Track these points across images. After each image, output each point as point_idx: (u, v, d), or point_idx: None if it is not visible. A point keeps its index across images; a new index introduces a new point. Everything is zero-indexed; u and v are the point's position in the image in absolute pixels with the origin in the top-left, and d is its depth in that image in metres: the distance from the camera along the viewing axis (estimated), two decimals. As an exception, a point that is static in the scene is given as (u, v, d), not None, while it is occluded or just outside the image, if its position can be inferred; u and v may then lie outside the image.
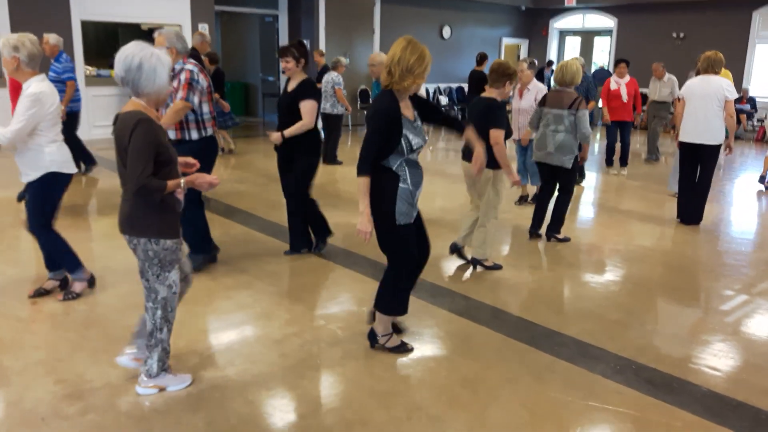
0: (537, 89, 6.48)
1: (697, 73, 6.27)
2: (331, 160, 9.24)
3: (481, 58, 10.09)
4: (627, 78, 8.72)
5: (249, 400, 2.96)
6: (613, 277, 4.87)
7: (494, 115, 4.46)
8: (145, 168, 2.64)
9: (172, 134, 4.30)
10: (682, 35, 14.53)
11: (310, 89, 4.65)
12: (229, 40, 14.42)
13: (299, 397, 3.01)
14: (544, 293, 4.49)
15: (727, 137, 6.15)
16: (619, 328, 3.88)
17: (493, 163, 4.50)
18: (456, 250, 4.99)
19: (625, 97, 8.65)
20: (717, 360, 3.50)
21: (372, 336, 3.49)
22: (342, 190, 7.67)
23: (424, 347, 3.55)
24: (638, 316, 4.09)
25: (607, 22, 16.05)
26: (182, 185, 2.79)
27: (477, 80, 9.65)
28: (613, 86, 8.77)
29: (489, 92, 4.62)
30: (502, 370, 3.31)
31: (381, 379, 3.18)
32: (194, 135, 4.37)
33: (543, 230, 5.71)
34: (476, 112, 4.59)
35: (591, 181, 8.56)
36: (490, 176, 4.61)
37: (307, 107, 4.60)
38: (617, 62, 8.96)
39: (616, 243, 5.69)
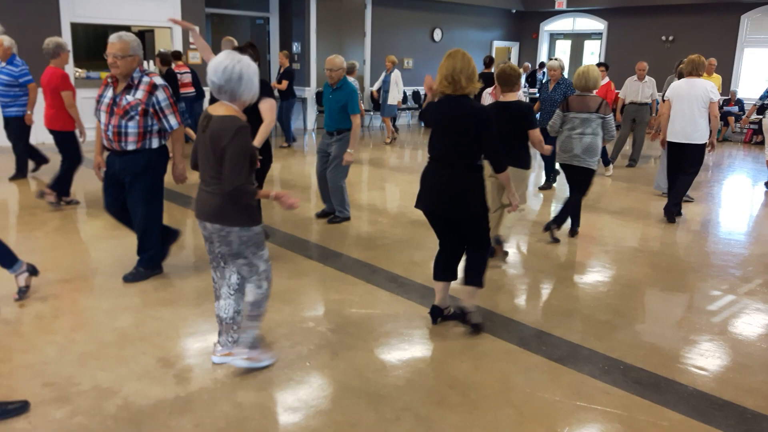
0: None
1: (679, 76, 6.38)
2: None
3: (490, 61, 10.37)
4: (604, 80, 8.80)
5: (237, 402, 2.95)
6: (602, 277, 4.90)
7: (532, 117, 4.76)
8: (242, 172, 2.86)
9: (132, 145, 4.10)
10: (671, 38, 14.63)
11: (266, 89, 4.60)
12: (220, 42, 14.39)
13: (288, 399, 3.01)
14: (532, 294, 4.51)
15: (710, 136, 6.34)
16: (607, 329, 3.90)
17: (526, 162, 4.81)
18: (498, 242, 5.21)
19: None
20: (704, 360, 3.52)
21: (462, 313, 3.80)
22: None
23: (413, 348, 3.56)
24: (626, 316, 4.12)
25: (597, 25, 16.15)
26: (271, 197, 3.02)
27: (488, 81, 9.97)
28: None
29: (509, 96, 4.77)
30: (491, 371, 3.32)
31: (370, 381, 3.18)
32: (155, 143, 4.21)
33: (576, 227, 5.92)
34: (514, 117, 4.67)
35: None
36: (525, 176, 4.86)
37: (266, 106, 4.59)
38: (598, 65, 9.03)
39: (604, 243, 5.72)
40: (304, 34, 13.09)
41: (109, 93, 4.12)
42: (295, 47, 13.21)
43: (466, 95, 3.49)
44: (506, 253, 5.25)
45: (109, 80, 4.15)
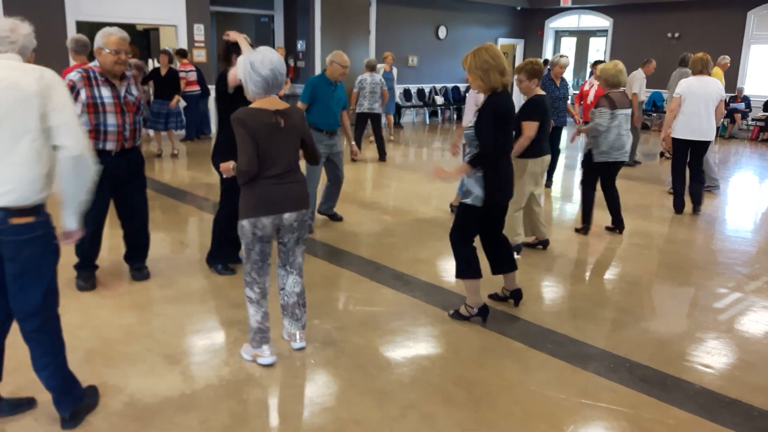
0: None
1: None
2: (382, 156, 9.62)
3: None
4: None
5: (242, 399, 2.96)
6: (607, 275, 4.88)
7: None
8: None
9: (139, 140, 4.11)
10: (677, 35, 14.56)
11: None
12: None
13: (293, 396, 3.01)
14: (537, 291, 4.50)
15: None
16: (613, 326, 3.89)
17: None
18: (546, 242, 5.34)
19: (591, 98, 8.52)
20: (710, 357, 3.51)
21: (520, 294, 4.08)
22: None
23: (418, 346, 3.56)
24: (632, 314, 4.10)
25: (603, 22, 16.08)
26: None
27: None
28: (586, 87, 8.73)
29: (538, 90, 4.87)
30: (496, 369, 3.31)
31: (374, 378, 3.18)
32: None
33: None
34: (546, 109, 4.89)
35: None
36: (548, 161, 5.07)
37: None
38: (594, 63, 8.94)
39: (609, 241, 5.70)
40: (309, 31, 13.08)
41: (106, 92, 3.85)
42: (300, 45, 13.21)
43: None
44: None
45: (99, 79, 3.84)
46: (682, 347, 3.62)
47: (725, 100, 7.07)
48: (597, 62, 8.95)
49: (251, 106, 3.04)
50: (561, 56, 7.60)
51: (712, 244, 5.77)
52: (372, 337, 3.63)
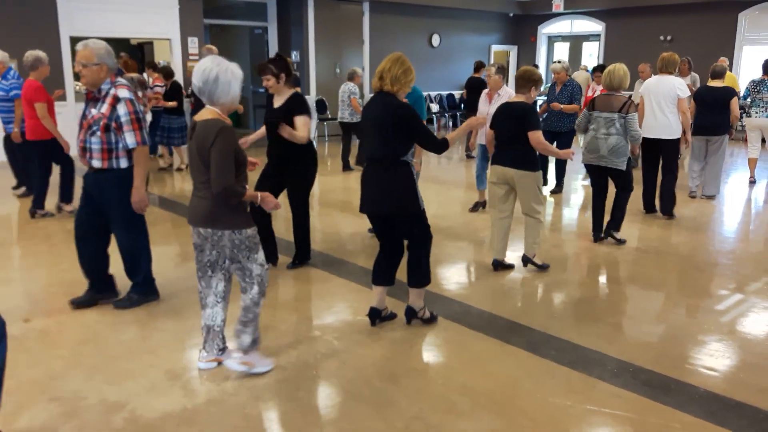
0: (507, 94, 6.49)
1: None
2: (346, 166, 9.59)
3: (478, 66, 10.40)
4: None
5: (245, 413, 2.93)
6: (608, 279, 4.87)
7: (532, 119, 4.65)
8: (230, 171, 2.96)
9: (97, 162, 3.80)
10: (669, 38, 14.63)
11: (303, 104, 4.60)
12: (220, 52, 14.38)
13: (296, 410, 2.99)
14: (540, 298, 4.49)
15: (685, 132, 6.46)
16: (615, 331, 3.88)
17: (534, 164, 4.74)
18: (499, 264, 5.00)
19: None
20: (714, 360, 3.50)
21: (411, 312, 3.89)
22: (338, 199, 7.66)
23: (421, 355, 3.54)
24: (634, 318, 4.09)
25: (595, 26, 16.15)
26: (258, 199, 3.13)
27: (475, 86, 9.96)
28: (589, 93, 8.76)
29: (517, 97, 4.77)
30: (500, 377, 3.29)
31: (378, 390, 3.16)
32: (123, 163, 3.86)
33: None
34: (513, 117, 4.68)
35: (583, 185, 8.58)
36: (536, 177, 4.75)
37: (301, 122, 4.54)
38: (594, 69, 8.96)
39: (610, 245, 5.69)
40: (303, 42, 13.12)
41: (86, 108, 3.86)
42: (294, 56, 13.23)
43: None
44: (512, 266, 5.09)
45: (93, 92, 3.83)
46: (685, 350, 3.61)
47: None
48: (597, 68, 8.94)
49: None
50: (554, 62, 7.66)
51: (711, 245, 5.77)
52: (374, 347, 3.61)
